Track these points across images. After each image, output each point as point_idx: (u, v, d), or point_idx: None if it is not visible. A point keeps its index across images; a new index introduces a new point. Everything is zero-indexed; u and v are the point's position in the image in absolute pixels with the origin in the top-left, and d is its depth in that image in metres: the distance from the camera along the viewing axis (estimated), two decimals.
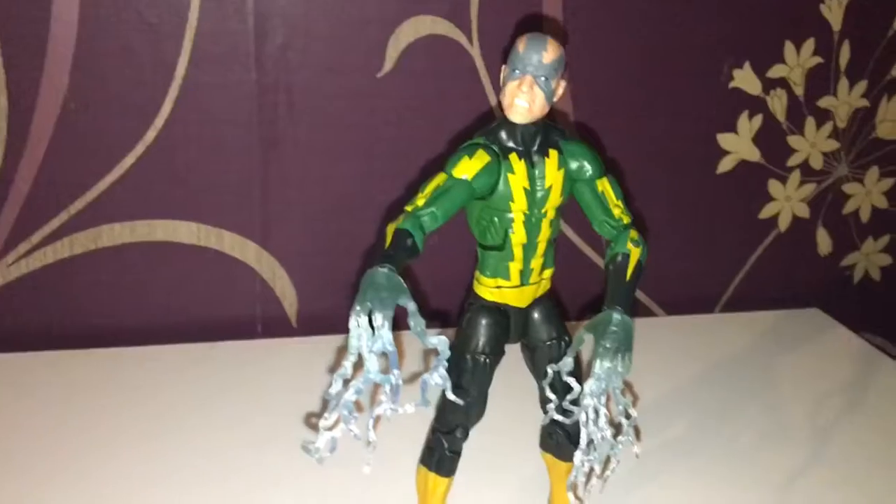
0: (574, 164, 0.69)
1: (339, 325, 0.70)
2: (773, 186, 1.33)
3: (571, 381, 0.63)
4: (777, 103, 1.27)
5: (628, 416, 0.64)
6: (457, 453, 0.76)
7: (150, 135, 1.08)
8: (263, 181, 1.13)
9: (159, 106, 1.07)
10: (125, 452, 0.92)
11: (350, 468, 0.87)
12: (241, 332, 1.18)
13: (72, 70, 1.03)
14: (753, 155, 1.30)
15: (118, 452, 0.92)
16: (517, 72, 0.65)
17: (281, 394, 1.04)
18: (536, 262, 0.71)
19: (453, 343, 0.73)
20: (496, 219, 0.69)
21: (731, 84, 1.24)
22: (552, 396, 0.65)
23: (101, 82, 1.05)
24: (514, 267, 0.71)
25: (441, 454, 0.75)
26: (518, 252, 0.70)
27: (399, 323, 0.57)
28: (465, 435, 0.75)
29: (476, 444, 0.77)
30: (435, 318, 1.18)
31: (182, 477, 0.89)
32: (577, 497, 0.63)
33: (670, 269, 1.34)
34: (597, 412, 0.61)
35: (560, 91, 0.67)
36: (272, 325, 1.21)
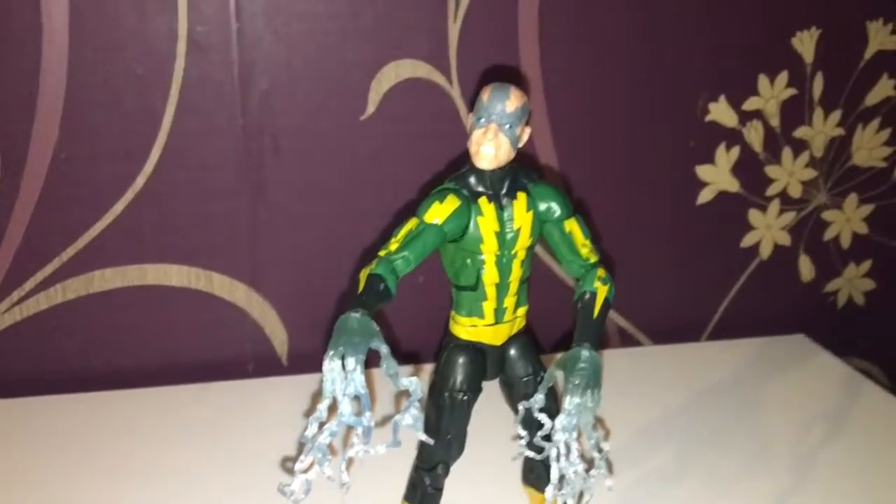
0: (542, 206, 0.72)
1: None
2: (754, 216, 1.35)
3: (543, 417, 0.65)
4: (754, 134, 1.30)
5: (600, 451, 0.66)
6: (439, 490, 0.77)
7: (140, 181, 1.11)
8: (252, 223, 1.16)
9: (148, 153, 1.10)
10: (121, 495, 0.93)
11: (349, 499, 0.90)
12: (232, 373, 1.20)
13: (62, 121, 1.06)
14: (733, 186, 1.32)
15: (114, 495, 0.93)
16: (482, 120, 0.68)
17: (274, 432, 1.05)
18: (510, 301, 0.73)
19: (432, 382, 0.75)
20: (468, 260, 0.71)
21: (708, 117, 1.27)
22: (522, 432, 0.67)
23: (90, 132, 1.07)
24: (488, 306, 0.73)
25: (423, 491, 0.77)
26: (491, 292, 0.72)
27: (371, 362, 0.59)
28: (447, 471, 0.77)
29: (459, 480, 0.78)
30: (409, 358, 1.21)
31: None
32: None
33: (656, 299, 1.36)
34: (568, 447, 0.63)
35: (525, 137, 0.69)
36: (263, 364, 1.23)
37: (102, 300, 1.15)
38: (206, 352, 1.21)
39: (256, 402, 1.14)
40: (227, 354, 1.22)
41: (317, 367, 1.16)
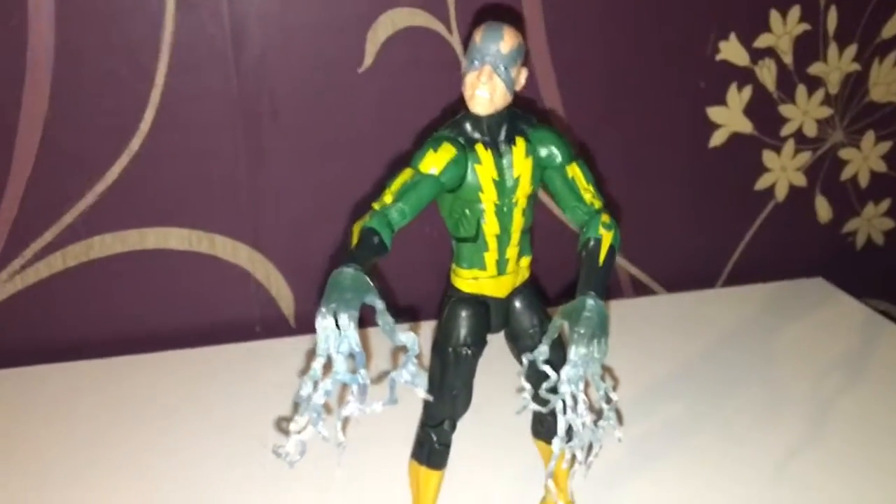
0: (543, 151, 0.69)
1: None
2: (768, 157, 1.31)
3: (547, 368, 0.62)
4: (766, 73, 1.25)
5: (609, 401, 0.63)
6: (446, 446, 0.76)
7: (135, 144, 1.08)
8: (251, 184, 1.14)
9: (142, 115, 1.07)
10: (131, 461, 0.93)
11: (351, 466, 0.89)
12: (240, 335, 1.19)
13: (52, 85, 1.04)
14: (745, 127, 1.28)
15: (124, 461, 0.93)
16: (476, 63, 0.64)
17: (284, 392, 1.03)
18: (512, 252, 0.71)
19: (435, 337, 0.73)
20: (467, 210, 0.68)
21: (718, 56, 1.23)
22: (526, 385, 0.65)
23: (82, 96, 1.05)
24: (490, 257, 0.70)
25: (431, 447, 0.75)
26: (492, 242, 0.69)
27: (370, 318, 0.57)
28: (453, 427, 0.75)
29: (468, 436, 0.77)
30: (405, 313, 1.19)
31: (192, 481, 0.89)
32: (557, 485, 0.63)
33: (669, 247, 1.33)
34: (575, 399, 0.61)
35: (522, 80, 0.66)
36: (271, 325, 1.22)
37: (103, 266, 1.13)
38: (212, 315, 1.20)
39: (266, 363, 1.12)
40: (233, 316, 1.21)
41: None
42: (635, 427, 0.97)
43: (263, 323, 1.22)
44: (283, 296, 1.21)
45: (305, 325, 1.22)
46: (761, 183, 1.33)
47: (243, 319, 1.21)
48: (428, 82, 1.13)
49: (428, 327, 1.18)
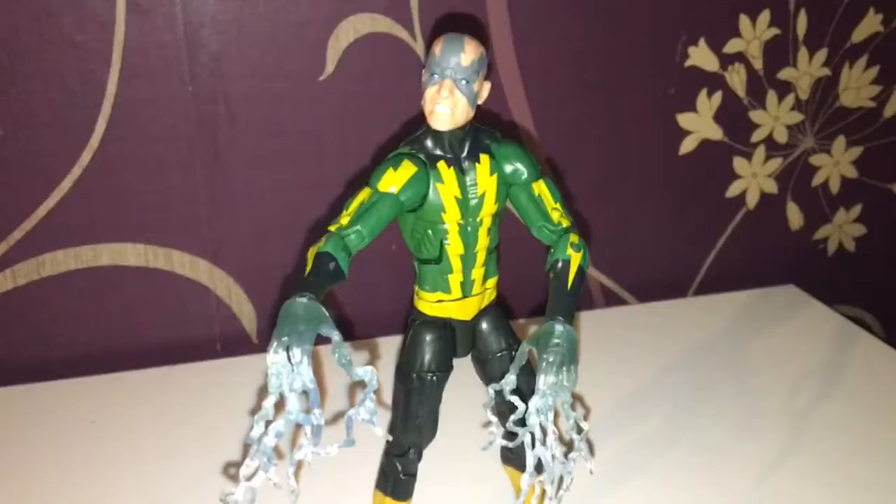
0: (508, 168, 0.66)
1: None
2: (739, 164, 1.29)
3: (515, 399, 0.59)
4: (736, 78, 1.23)
5: (580, 431, 0.61)
6: (412, 475, 0.73)
7: (86, 156, 1.04)
8: (209, 195, 1.09)
9: (93, 125, 1.03)
10: (87, 487, 0.88)
11: (309, 496, 0.85)
12: (200, 353, 1.15)
13: None
14: (716, 133, 1.26)
15: (78, 487, 0.88)
16: (435, 76, 0.61)
17: (247, 412, 1.00)
18: (478, 273, 0.68)
19: (398, 363, 0.70)
20: (430, 231, 0.65)
21: (688, 62, 1.20)
22: (493, 419, 0.62)
23: (28, 106, 1.00)
24: (455, 279, 0.67)
25: (396, 477, 0.72)
26: (457, 263, 0.66)
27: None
28: (419, 456, 0.72)
29: (434, 465, 0.74)
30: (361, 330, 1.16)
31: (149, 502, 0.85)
32: None
33: (640, 256, 1.31)
34: (544, 431, 0.58)
35: (485, 93, 0.63)
36: (232, 343, 1.18)
37: (56, 284, 1.09)
38: (171, 333, 1.15)
39: (228, 382, 1.08)
40: (193, 334, 1.16)
41: None
42: (610, 438, 0.94)
43: (224, 340, 1.18)
44: (245, 312, 1.17)
45: (268, 342, 1.18)
46: (732, 190, 1.31)
47: (203, 337, 1.17)
48: (391, 90, 1.10)
49: (385, 345, 1.14)
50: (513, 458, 0.76)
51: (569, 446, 0.60)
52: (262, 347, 1.18)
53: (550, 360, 0.58)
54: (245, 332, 1.18)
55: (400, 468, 0.72)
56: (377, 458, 0.74)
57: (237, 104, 1.06)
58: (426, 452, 0.72)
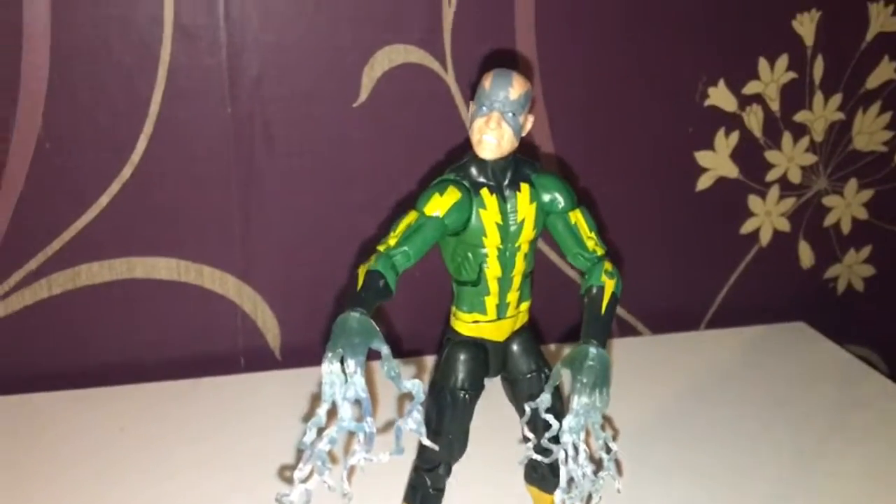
0: (546, 197, 0.69)
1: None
2: (753, 202, 1.33)
3: (550, 418, 0.62)
4: (753, 119, 1.27)
5: (609, 451, 0.63)
6: (440, 490, 0.75)
7: (126, 171, 1.08)
8: (242, 214, 1.13)
9: (134, 142, 1.07)
10: (112, 495, 0.91)
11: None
12: (224, 367, 1.17)
13: (45, 110, 1.03)
14: (732, 171, 1.30)
15: (104, 495, 0.91)
16: (484, 108, 0.65)
17: (269, 428, 1.03)
18: (513, 296, 0.71)
19: (433, 379, 0.73)
20: (470, 254, 0.68)
21: (707, 102, 1.24)
22: (530, 435, 0.64)
23: (74, 121, 1.04)
24: (491, 301, 0.70)
25: (424, 492, 0.75)
26: (494, 286, 0.70)
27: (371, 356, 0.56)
28: (448, 471, 0.75)
29: (460, 480, 0.76)
30: (411, 352, 1.18)
31: None
32: None
33: (654, 288, 1.34)
34: (576, 449, 0.61)
35: (528, 125, 0.67)
36: (255, 358, 1.20)
37: (89, 295, 1.12)
38: (196, 346, 1.18)
39: (250, 398, 1.11)
40: (218, 349, 1.19)
41: (310, 360, 1.15)
42: (622, 471, 0.97)
43: (248, 355, 1.21)
44: (270, 328, 1.20)
45: (291, 359, 1.21)
46: (746, 227, 1.35)
47: (228, 351, 1.19)
48: (422, 119, 1.14)
49: (431, 361, 1.17)
50: (536, 477, 0.79)
51: (598, 465, 0.63)
52: (284, 364, 1.21)
53: (584, 381, 0.61)
54: (269, 348, 1.21)
55: (429, 483, 0.74)
56: (406, 472, 0.77)
57: (274, 126, 1.10)
58: (455, 468, 0.75)
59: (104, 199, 1.08)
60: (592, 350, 0.62)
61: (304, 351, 1.19)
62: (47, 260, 1.09)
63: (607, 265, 0.68)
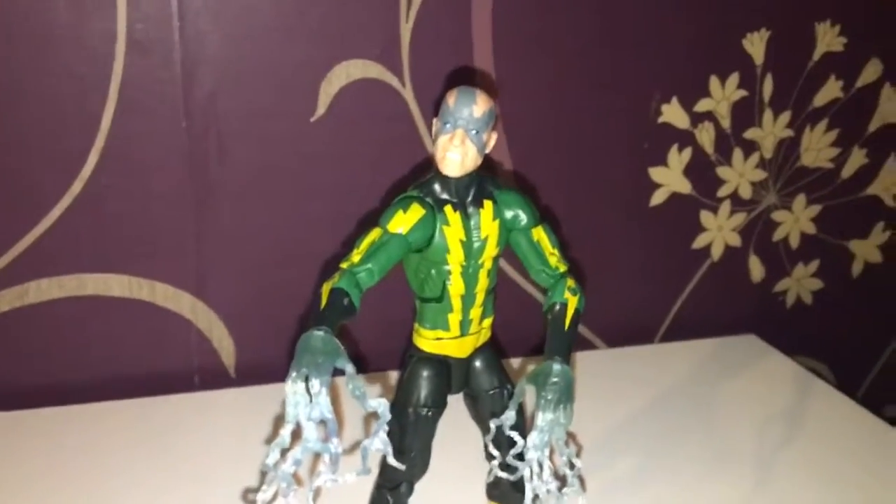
0: (509, 214, 0.70)
1: (279, 374, 0.68)
2: (705, 217, 1.35)
3: (515, 435, 0.62)
4: (705, 136, 1.30)
5: (572, 467, 0.64)
6: None
7: (77, 186, 1.05)
8: (197, 230, 1.11)
9: (86, 156, 1.05)
10: None
11: None
12: (177, 386, 1.15)
13: None
14: (685, 187, 1.32)
15: None
16: (448, 126, 0.65)
17: (223, 446, 1.01)
18: (476, 312, 0.71)
19: (394, 397, 0.72)
20: (433, 271, 0.68)
21: (661, 119, 1.26)
22: (495, 452, 0.64)
23: (24, 133, 1.02)
24: (454, 318, 0.70)
25: None
26: (457, 303, 0.70)
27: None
28: (410, 490, 0.74)
29: (422, 498, 0.76)
30: (376, 369, 1.18)
31: None
32: None
33: (609, 302, 1.35)
34: (541, 465, 0.61)
35: (492, 143, 0.67)
36: (210, 376, 1.19)
37: (39, 312, 1.09)
38: (150, 364, 1.16)
39: (204, 416, 1.09)
40: (172, 367, 1.17)
41: (266, 378, 1.14)
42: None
43: (202, 373, 1.19)
44: (225, 346, 1.18)
45: (246, 377, 1.19)
46: (698, 242, 1.37)
47: (182, 370, 1.17)
48: (380, 134, 1.14)
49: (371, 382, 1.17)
50: (497, 494, 0.79)
51: (562, 481, 0.63)
52: (239, 382, 1.19)
53: (549, 397, 0.61)
54: (224, 366, 1.19)
55: (391, 501, 0.74)
56: (367, 490, 0.76)
57: (229, 141, 1.09)
58: (417, 486, 0.75)
59: (54, 214, 1.06)
60: (556, 366, 0.63)
61: (259, 369, 1.18)
62: None
63: (570, 282, 0.69)
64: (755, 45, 1.27)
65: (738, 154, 1.33)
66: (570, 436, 1.04)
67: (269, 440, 0.53)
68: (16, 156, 1.02)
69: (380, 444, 0.55)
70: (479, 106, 0.65)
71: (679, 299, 1.40)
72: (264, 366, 1.16)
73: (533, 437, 0.61)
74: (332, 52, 1.09)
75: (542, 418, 0.61)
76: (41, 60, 1.00)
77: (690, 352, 1.33)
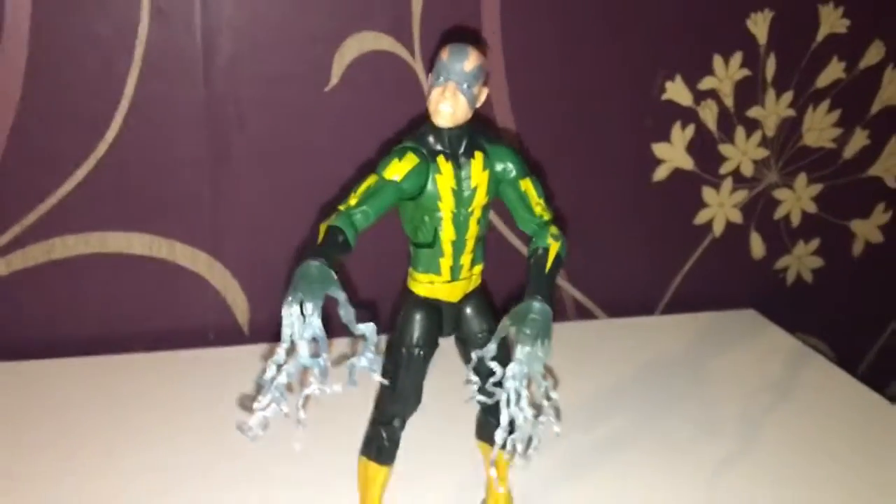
0: (499, 166, 0.74)
1: None
2: (707, 193, 1.39)
3: (494, 365, 0.67)
4: (708, 114, 1.33)
5: (549, 398, 0.68)
6: (395, 443, 0.79)
7: (102, 148, 1.11)
8: (213, 192, 1.17)
9: (110, 119, 1.10)
10: (81, 464, 0.94)
11: (298, 470, 0.92)
12: (193, 342, 1.21)
13: (24, 82, 1.06)
14: (687, 163, 1.35)
15: (73, 464, 0.94)
16: (441, 79, 0.70)
17: (235, 399, 1.06)
18: (466, 259, 0.76)
19: (389, 338, 0.77)
20: (426, 218, 0.73)
21: (664, 96, 1.30)
22: (474, 378, 0.69)
23: (53, 95, 1.08)
24: (445, 263, 0.75)
25: (380, 444, 0.79)
26: (448, 249, 0.74)
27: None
28: (403, 425, 0.79)
29: (414, 438, 0.80)
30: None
31: (141, 487, 0.91)
32: (498, 474, 0.67)
33: (611, 273, 1.39)
34: (518, 394, 0.65)
35: (482, 97, 0.72)
36: (224, 333, 1.24)
37: (64, 267, 1.15)
38: (167, 320, 1.22)
39: (218, 371, 1.14)
40: (188, 323, 1.23)
41: (278, 336, 1.18)
42: (576, 441, 1.02)
43: (217, 330, 1.24)
44: (238, 304, 1.24)
45: (258, 335, 1.25)
46: (700, 217, 1.40)
47: (198, 326, 1.23)
48: (389, 104, 1.18)
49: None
50: (486, 435, 0.83)
51: (538, 411, 0.68)
52: (252, 339, 1.25)
53: (528, 332, 0.66)
54: (238, 323, 1.25)
55: (385, 435, 0.79)
56: (363, 428, 0.81)
57: (246, 107, 1.14)
58: (408, 422, 0.79)
59: (80, 174, 1.12)
60: (536, 304, 0.67)
61: (271, 327, 1.22)
62: (23, 232, 1.12)
63: (553, 229, 0.73)
64: (759, 25, 1.30)
65: (740, 132, 1.36)
66: (548, 371, 1.07)
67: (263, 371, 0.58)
68: (46, 116, 1.08)
69: (365, 361, 0.60)
70: (470, 61, 0.69)
71: (680, 274, 1.44)
72: (276, 324, 1.21)
73: (512, 367, 0.65)
74: (345, 24, 1.14)
75: (521, 351, 0.65)
76: (69, 22, 1.05)
77: (690, 324, 1.37)
